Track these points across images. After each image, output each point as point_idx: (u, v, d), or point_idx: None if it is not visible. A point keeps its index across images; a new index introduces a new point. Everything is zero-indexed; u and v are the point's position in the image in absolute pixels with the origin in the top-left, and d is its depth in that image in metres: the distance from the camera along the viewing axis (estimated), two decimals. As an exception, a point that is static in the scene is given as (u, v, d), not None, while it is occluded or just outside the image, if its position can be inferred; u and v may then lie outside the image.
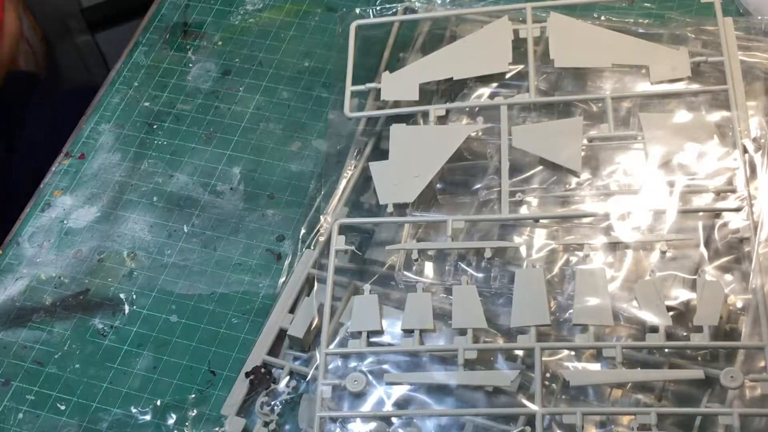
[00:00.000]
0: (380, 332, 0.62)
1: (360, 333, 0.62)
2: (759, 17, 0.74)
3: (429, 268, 0.65)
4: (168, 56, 0.83)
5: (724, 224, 0.62)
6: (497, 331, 0.62)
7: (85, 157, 0.78)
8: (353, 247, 0.66)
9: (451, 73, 0.70)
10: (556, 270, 0.63)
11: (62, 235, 0.74)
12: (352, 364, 0.61)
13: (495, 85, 0.71)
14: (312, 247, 0.69)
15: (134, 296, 0.70)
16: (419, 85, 0.71)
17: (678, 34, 0.72)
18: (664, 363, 0.59)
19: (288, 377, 0.63)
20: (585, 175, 0.65)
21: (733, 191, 0.62)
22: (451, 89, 0.72)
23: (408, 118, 0.71)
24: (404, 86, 0.71)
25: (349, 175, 0.71)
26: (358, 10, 0.75)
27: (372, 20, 0.75)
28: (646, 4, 0.73)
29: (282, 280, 0.69)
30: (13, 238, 0.74)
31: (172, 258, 0.72)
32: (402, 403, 0.60)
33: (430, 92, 0.72)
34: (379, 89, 0.72)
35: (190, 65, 0.82)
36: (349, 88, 0.72)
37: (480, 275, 0.64)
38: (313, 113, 0.78)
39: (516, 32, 0.71)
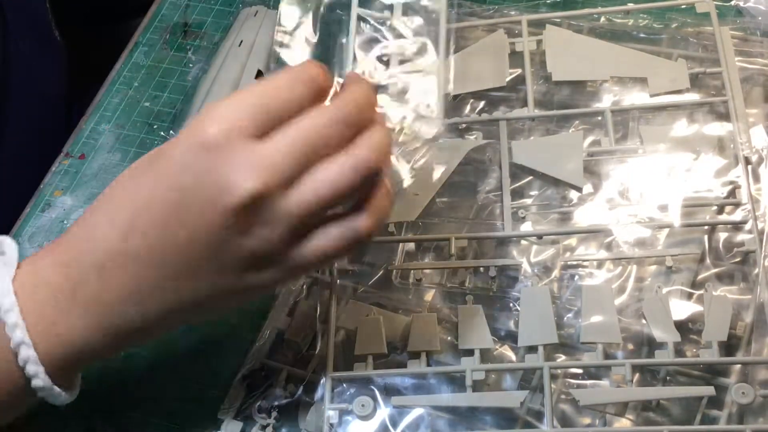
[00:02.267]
0: (386, 355, 0.62)
1: (365, 356, 0.61)
2: (759, 18, 0.74)
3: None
4: (168, 56, 0.82)
5: (729, 237, 0.62)
6: (496, 336, 0.61)
7: (85, 157, 0.77)
8: (355, 268, 0.65)
9: (448, 88, 0.70)
10: (556, 284, 0.63)
11: (62, 235, 0.73)
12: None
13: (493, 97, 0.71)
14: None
15: (134, 296, 0.70)
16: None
17: (679, 37, 0.72)
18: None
19: (285, 381, 0.63)
20: (586, 189, 0.65)
21: (738, 204, 0.62)
22: (449, 104, 0.71)
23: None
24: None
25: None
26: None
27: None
28: (642, 15, 0.73)
29: (282, 280, 0.69)
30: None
31: (173, 258, 0.71)
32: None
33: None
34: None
35: (190, 65, 0.81)
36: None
37: (478, 278, 0.64)
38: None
39: (512, 45, 0.71)
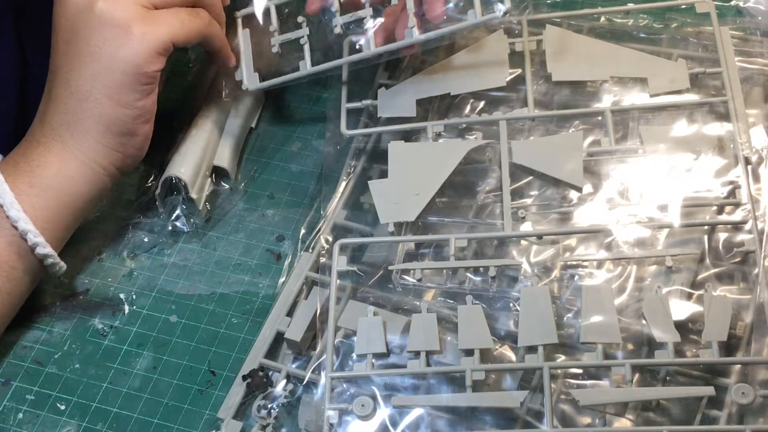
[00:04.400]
0: (386, 355, 0.62)
1: (365, 355, 0.61)
2: (759, 18, 0.74)
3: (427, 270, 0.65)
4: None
5: (729, 237, 0.62)
6: (496, 336, 0.61)
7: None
8: (355, 268, 0.65)
9: (448, 88, 0.70)
10: (556, 284, 0.63)
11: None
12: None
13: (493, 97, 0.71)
14: (311, 249, 0.68)
15: (134, 296, 0.70)
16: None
17: (679, 37, 0.72)
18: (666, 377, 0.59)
19: (285, 380, 0.63)
20: (586, 189, 0.65)
21: (738, 204, 0.62)
22: (449, 104, 0.72)
23: (407, 133, 0.70)
24: (401, 103, 0.70)
25: (348, 175, 0.71)
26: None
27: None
28: (642, 15, 0.73)
29: (282, 280, 0.69)
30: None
31: (172, 258, 0.71)
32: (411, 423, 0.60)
33: (426, 108, 0.72)
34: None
35: (190, 65, 0.81)
36: (344, 105, 0.72)
37: (478, 278, 0.64)
38: (314, 113, 0.78)
39: (512, 45, 0.71)
